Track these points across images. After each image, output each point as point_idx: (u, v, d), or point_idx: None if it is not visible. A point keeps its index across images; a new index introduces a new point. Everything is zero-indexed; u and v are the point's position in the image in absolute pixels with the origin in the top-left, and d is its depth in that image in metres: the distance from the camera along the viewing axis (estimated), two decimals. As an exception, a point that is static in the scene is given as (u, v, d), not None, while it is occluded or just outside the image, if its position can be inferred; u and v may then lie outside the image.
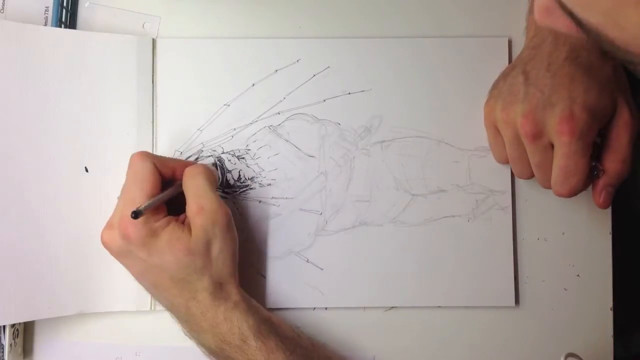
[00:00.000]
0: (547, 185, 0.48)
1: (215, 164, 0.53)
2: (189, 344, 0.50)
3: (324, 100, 0.54)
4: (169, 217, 0.46)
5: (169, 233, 0.45)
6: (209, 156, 0.53)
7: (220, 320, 0.46)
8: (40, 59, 0.50)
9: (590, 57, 0.45)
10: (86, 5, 0.54)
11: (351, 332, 0.53)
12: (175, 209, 0.48)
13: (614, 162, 0.47)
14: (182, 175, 0.48)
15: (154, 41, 0.54)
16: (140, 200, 0.45)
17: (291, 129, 0.53)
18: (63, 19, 0.53)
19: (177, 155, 0.53)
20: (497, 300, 0.53)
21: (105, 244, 0.47)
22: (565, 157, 0.45)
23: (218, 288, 0.46)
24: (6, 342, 0.49)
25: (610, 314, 0.53)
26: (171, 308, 0.48)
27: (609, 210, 0.53)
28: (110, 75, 0.52)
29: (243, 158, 0.53)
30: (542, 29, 0.48)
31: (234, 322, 0.46)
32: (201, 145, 0.53)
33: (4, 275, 0.48)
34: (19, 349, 0.51)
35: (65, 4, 0.53)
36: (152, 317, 0.52)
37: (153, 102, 0.53)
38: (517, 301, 0.53)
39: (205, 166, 0.49)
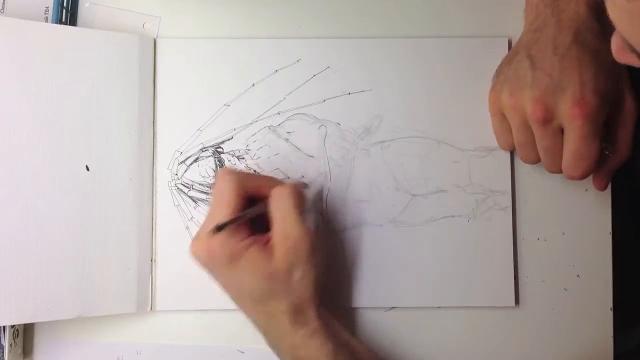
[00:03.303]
0: (554, 170, 0.48)
1: (306, 184, 0.51)
2: (190, 343, 0.51)
3: (324, 100, 0.54)
4: (252, 238, 0.46)
5: (250, 256, 0.45)
6: (209, 156, 0.53)
7: (298, 344, 0.46)
8: (42, 56, 0.50)
9: (596, 40, 0.46)
10: (86, 5, 0.54)
11: (351, 332, 0.53)
12: (260, 224, 0.47)
13: (618, 149, 0.48)
14: (267, 192, 0.47)
15: (154, 41, 0.54)
16: (224, 214, 0.45)
17: (291, 129, 0.53)
18: (63, 19, 0.53)
19: (176, 156, 0.53)
20: (497, 300, 0.53)
21: (192, 254, 0.47)
22: (577, 140, 0.45)
23: (298, 313, 0.46)
24: (6, 342, 0.49)
25: (610, 314, 0.53)
26: (253, 321, 0.48)
27: (609, 211, 0.53)
28: (112, 73, 0.52)
29: (243, 158, 0.53)
30: (543, 11, 0.48)
31: (311, 349, 0.45)
32: (201, 145, 0.53)
33: (3, 275, 0.48)
34: (19, 349, 0.51)
35: (65, 4, 0.53)
36: (152, 317, 0.53)
37: (154, 101, 0.53)
38: (517, 301, 0.53)
39: (293, 187, 0.47)
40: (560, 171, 0.48)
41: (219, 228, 0.44)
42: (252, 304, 0.46)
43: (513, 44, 0.54)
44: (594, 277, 0.53)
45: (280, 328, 0.46)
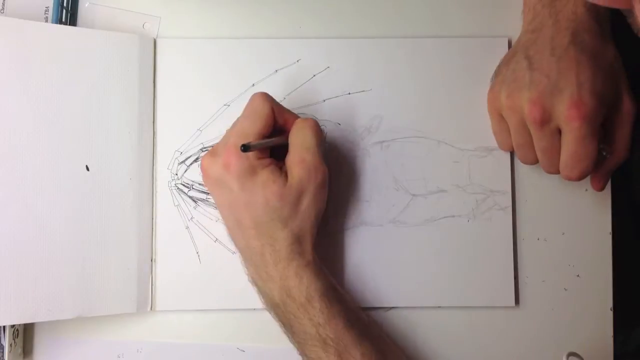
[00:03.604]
0: (552, 171, 0.48)
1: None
2: (191, 341, 0.51)
3: (324, 101, 0.54)
4: (270, 159, 0.47)
5: (266, 174, 0.46)
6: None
7: (290, 274, 0.46)
8: (42, 56, 0.50)
9: (594, 41, 0.46)
10: (86, 5, 0.54)
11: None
12: (276, 158, 0.48)
13: (616, 150, 0.48)
14: (291, 126, 0.48)
15: (154, 41, 0.54)
16: (251, 135, 0.46)
17: (291, 129, 0.53)
18: (63, 19, 0.53)
19: (176, 156, 0.53)
20: (497, 300, 0.53)
21: (203, 169, 0.47)
22: (575, 142, 0.45)
23: (296, 242, 0.46)
24: (6, 342, 0.49)
25: (610, 314, 0.53)
26: (245, 249, 0.48)
27: (609, 210, 0.53)
28: (112, 73, 0.52)
29: (243, 158, 0.53)
30: (540, 12, 0.48)
31: (303, 280, 0.46)
32: (201, 145, 0.53)
33: (3, 275, 0.48)
34: (19, 349, 0.51)
35: (65, 4, 0.53)
36: (152, 317, 0.53)
37: (154, 101, 0.53)
38: (517, 301, 0.53)
39: (315, 122, 0.48)
40: (558, 172, 0.48)
41: (247, 147, 0.43)
42: (254, 225, 0.46)
43: (513, 44, 0.54)
44: (594, 277, 0.53)
45: (275, 256, 0.46)
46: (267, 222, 0.46)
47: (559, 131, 0.46)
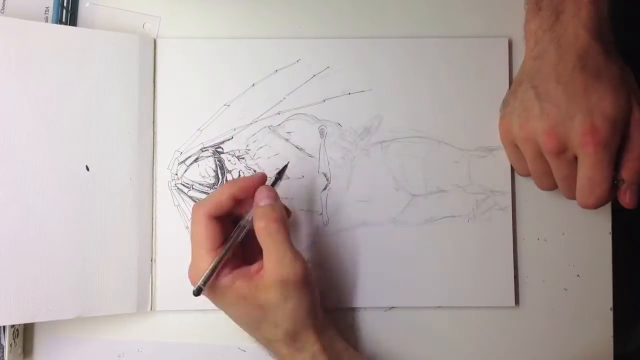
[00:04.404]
0: (573, 197, 0.47)
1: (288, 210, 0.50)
2: (191, 340, 0.50)
3: (324, 100, 0.54)
4: (236, 272, 0.45)
5: (237, 291, 0.45)
6: (209, 156, 0.53)
7: None
8: (42, 56, 0.50)
9: (598, 62, 0.45)
10: (86, 5, 0.54)
11: (351, 332, 0.53)
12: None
13: (632, 160, 0.46)
14: (250, 192, 0.46)
15: (154, 41, 0.54)
16: (203, 259, 0.45)
17: (291, 129, 0.53)
18: (63, 19, 0.53)
19: (176, 156, 0.53)
20: (497, 300, 0.53)
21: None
22: (590, 168, 0.44)
23: (294, 339, 0.45)
24: (6, 342, 0.49)
25: (610, 314, 0.53)
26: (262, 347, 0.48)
27: (609, 210, 0.53)
28: (112, 73, 0.52)
29: (243, 158, 0.53)
30: (542, 38, 0.47)
31: None
32: (201, 145, 0.53)
33: (3, 275, 0.48)
34: (19, 349, 0.51)
35: (65, 4, 0.53)
36: (152, 317, 0.53)
37: (154, 101, 0.53)
38: (517, 301, 0.53)
39: (278, 218, 0.45)
40: None
41: (199, 292, 0.44)
42: (249, 330, 0.47)
43: (513, 44, 0.54)
44: (594, 277, 0.53)
45: (280, 352, 0.46)
46: (258, 328, 0.45)
47: (576, 158, 0.45)
